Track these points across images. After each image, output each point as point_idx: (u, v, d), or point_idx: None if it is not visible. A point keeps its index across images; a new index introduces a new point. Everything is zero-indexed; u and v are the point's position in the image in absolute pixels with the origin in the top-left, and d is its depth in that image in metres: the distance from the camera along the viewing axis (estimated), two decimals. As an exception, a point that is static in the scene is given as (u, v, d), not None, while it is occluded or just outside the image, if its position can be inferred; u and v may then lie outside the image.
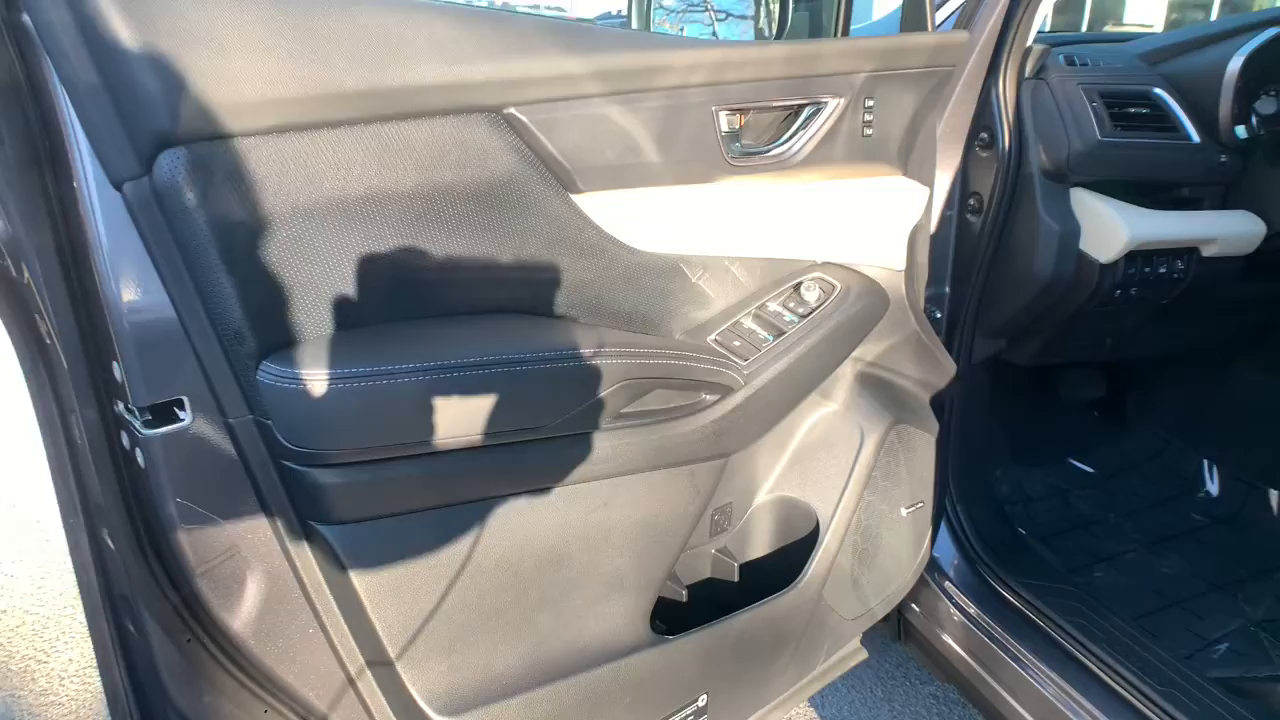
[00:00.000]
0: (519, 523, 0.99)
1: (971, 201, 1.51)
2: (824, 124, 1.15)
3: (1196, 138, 1.53)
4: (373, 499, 0.89)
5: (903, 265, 1.31)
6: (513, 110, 0.90)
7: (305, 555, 0.89)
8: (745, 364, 1.13)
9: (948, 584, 1.58)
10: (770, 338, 1.16)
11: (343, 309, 0.87)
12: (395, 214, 0.87)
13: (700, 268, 1.13)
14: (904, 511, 1.43)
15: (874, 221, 1.26)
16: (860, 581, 1.39)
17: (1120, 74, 1.55)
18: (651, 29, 1.49)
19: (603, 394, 0.98)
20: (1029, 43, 1.46)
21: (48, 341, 0.85)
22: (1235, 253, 1.57)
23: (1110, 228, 1.45)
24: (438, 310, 0.94)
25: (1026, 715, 1.40)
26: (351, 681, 0.95)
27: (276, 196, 0.79)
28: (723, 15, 1.40)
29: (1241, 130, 1.53)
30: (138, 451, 0.81)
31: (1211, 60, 1.55)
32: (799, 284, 1.21)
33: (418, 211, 0.88)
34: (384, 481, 0.89)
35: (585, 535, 1.05)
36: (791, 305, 1.20)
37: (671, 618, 1.22)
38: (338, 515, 0.88)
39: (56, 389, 0.88)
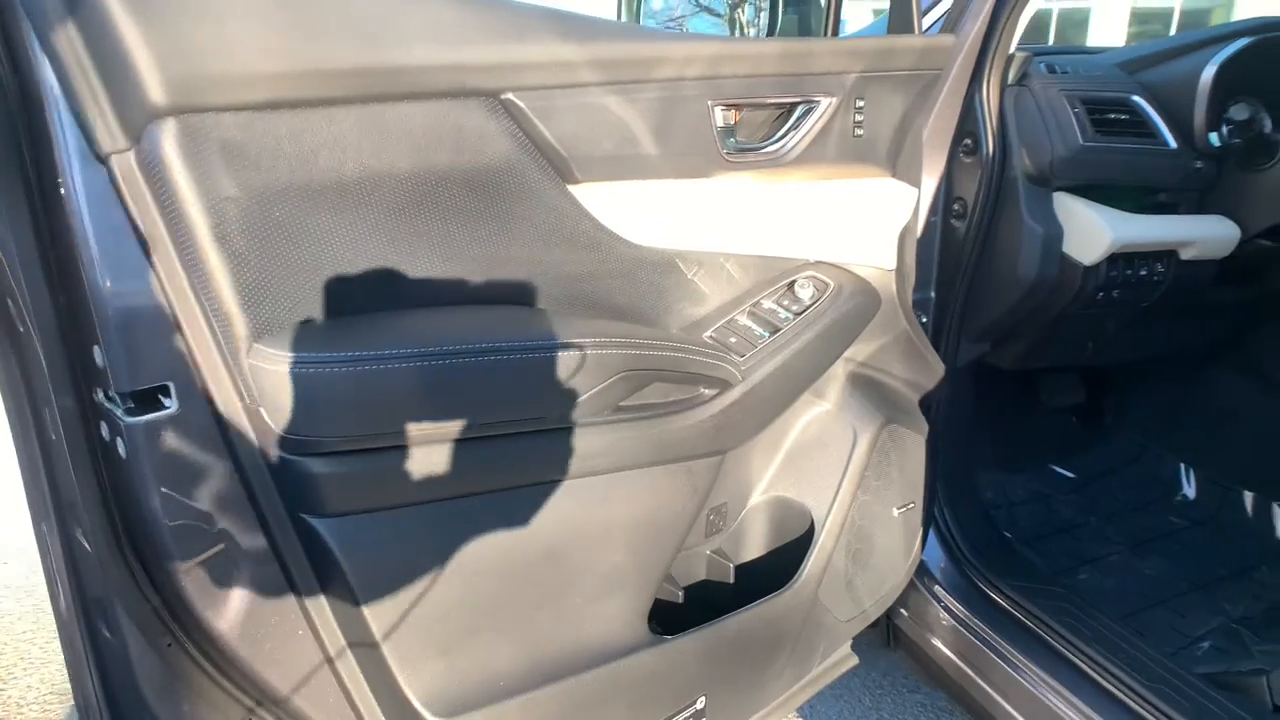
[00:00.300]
0: (517, 518, 0.96)
1: (956, 206, 1.52)
2: (816, 123, 1.16)
3: (1174, 144, 1.56)
4: (366, 490, 0.86)
5: (893, 265, 1.32)
6: (510, 96, 0.89)
7: (295, 550, 0.85)
8: (742, 360, 1.13)
9: (937, 588, 1.59)
10: (766, 334, 1.16)
11: (335, 293, 0.84)
12: (390, 197, 0.85)
13: (696, 264, 1.12)
14: (896, 512, 1.43)
15: (865, 221, 1.27)
16: (854, 582, 1.38)
17: (1100, 81, 1.58)
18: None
19: (602, 385, 0.96)
20: (1011, 50, 1.49)
21: (20, 328, 0.81)
22: (1211, 256, 1.60)
23: (1093, 230, 1.47)
24: (430, 298, 0.92)
25: (1018, 715, 1.40)
26: (343, 684, 0.91)
27: (269, 174, 0.77)
28: (713, 17, 1.42)
29: (1215, 137, 1.56)
30: (119, 442, 0.77)
31: (1186, 69, 1.58)
32: (792, 282, 1.21)
33: (413, 195, 0.87)
34: (378, 472, 0.86)
35: (584, 532, 1.03)
36: (786, 303, 1.20)
37: (667, 620, 1.20)
38: (330, 507, 0.84)
39: (28, 379, 0.83)
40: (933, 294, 1.56)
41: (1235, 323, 1.96)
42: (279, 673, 0.87)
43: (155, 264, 0.74)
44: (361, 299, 0.86)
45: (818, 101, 1.15)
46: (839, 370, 1.33)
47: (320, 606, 0.88)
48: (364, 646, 0.91)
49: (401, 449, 0.86)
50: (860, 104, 1.19)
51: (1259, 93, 1.55)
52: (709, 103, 1.05)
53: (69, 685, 0.97)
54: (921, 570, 1.59)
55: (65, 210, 0.71)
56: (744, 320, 1.17)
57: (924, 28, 1.34)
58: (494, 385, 0.89)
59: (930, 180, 1.50)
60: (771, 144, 1.15)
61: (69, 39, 0.67)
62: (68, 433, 0.79)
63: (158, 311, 0.74)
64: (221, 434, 0.80)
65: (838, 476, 1.30)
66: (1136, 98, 1.58)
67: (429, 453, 0.88)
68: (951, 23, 1.45)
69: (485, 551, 0.95)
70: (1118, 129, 1.52)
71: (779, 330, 1.17)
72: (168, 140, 0.71)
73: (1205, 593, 1.75)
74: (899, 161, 1.28)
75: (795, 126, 1.15)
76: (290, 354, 0.78)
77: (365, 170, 0.82)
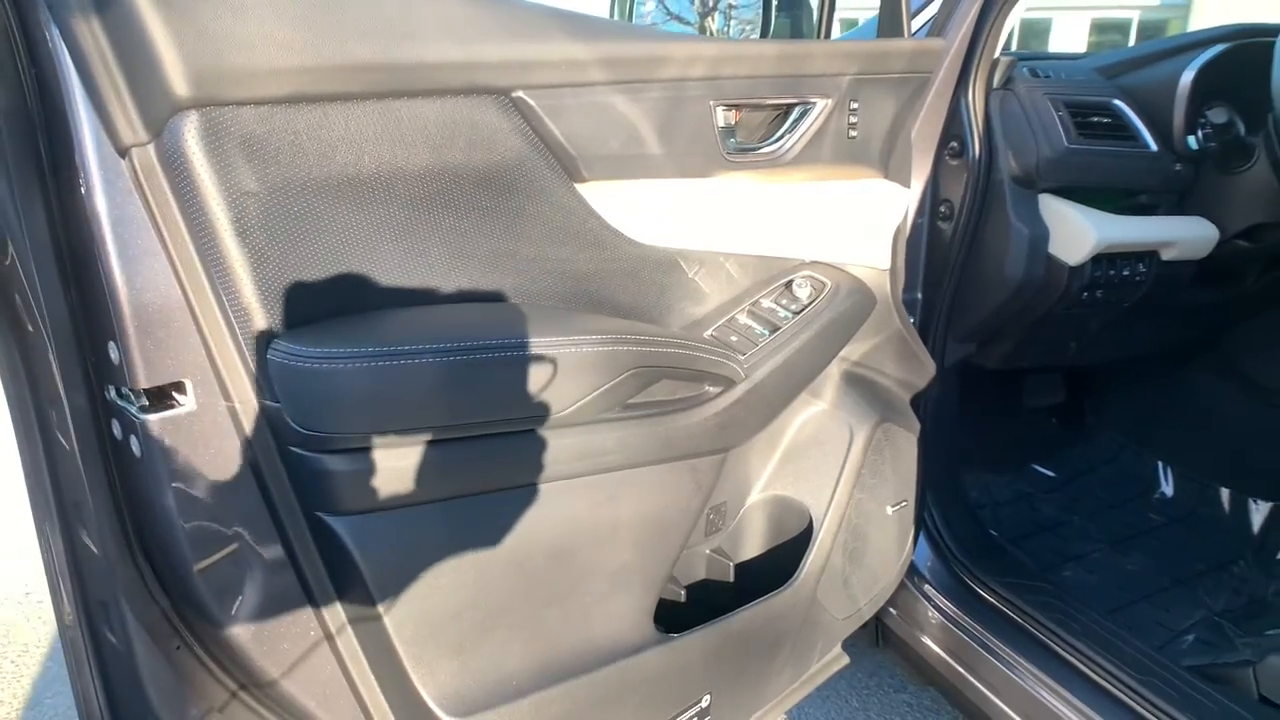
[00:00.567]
0: (528, 515, 0.96)
1: (942, 209, 1.54)
2: (813, 124, 1.17)
3: (1154, 146, 1.60)
4: (384, 488, 0.85)
5: (887, 265, 1.33)
6: (521, 94, 0.90)
7: (309, 549, 0.84)
8: (744, 358, 1.14)
9: (926, 586, 1.60)
10: (766, 333, 1.17)
11: (352, 288, 0.84)
12: (406, 193, 0.85)
13: (697, 263, 1.13)
14: (890, 510, 1.44)
15: (860, 222, 1.28)
16: (850, 580, 1.39)
17: (1082, 86, 1.61)
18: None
19: (614, 381, 0.96)
20: (996, 54, 1.51)
21: (29, 327, 0.79)
22: (1191, 256, 1.64)
23: (1078, 231, 1.50)
24: (443, 293, 0.92)
25: (1010, 712, 1.42)
26: (356, 686, 0.90)
27: (289, 168, 0.76)
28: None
29: (1193, 140, 1.60)
30: (132, 440, 0.76)
31: (1165, 74, 1.62)
32: (790, 281, 1.22)
33: (428, 192, 0.87)
34: (396, 469, 0.85)
35: (592, 530, 1.03)
36: (784, 302, 1.21)
37: (667, 619, 1.20)
38: (347, 505, 0.84)
39: (34, 377, 0.82)
40: (920, 295, 1.57)
41: (1211, 323, 2.01)
42: (290, 676, 0.86)
43: (174, 258, 0.73)
44: (378, 294, 0.86)
45: (814, 103, 1.17)
46: (834, 369, 1.34)
47: (334, 607, 0.87)
48: (378, 647, 0.90)
49: (420, 446, 0.86)
50: (854, 106, 1.21)
51: (1235, 97, 1.59)
52: (711, 103, 1.06)
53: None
54: (910, 569, 1.61)
55: (82, 203, 0.70)
56: (744, 319, 1.18)
57: (912, 31, 1.36)
58: (512, 381, 0.88)
59: (917, 182, 1.52)
60: (770, 144, 1.16)
61: (90, 28, 0.66)
62: (78, 431, 0.77)
63: (175, 307, 0.73)
64: (238, 431, 0.79)
65: (835, 475, 1.31)
66: (1117, 101, 1.61)
67: (448, 449, 0.88)
68: (938, 27, 1.48)
69: (498, 550, 0.95)
70: (1100, 132, 1.55)
71: (779, 329, 1.18)
72: (190, 133, 0.70)
73: (1186, 587, 1.78)
74: (891, 163, 1.30)
75: (792, 128, 1.17)
76: (310, 350, 0.77)
77: (382, 166, 0.82)
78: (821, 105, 1.17)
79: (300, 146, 0.77)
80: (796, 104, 1.16)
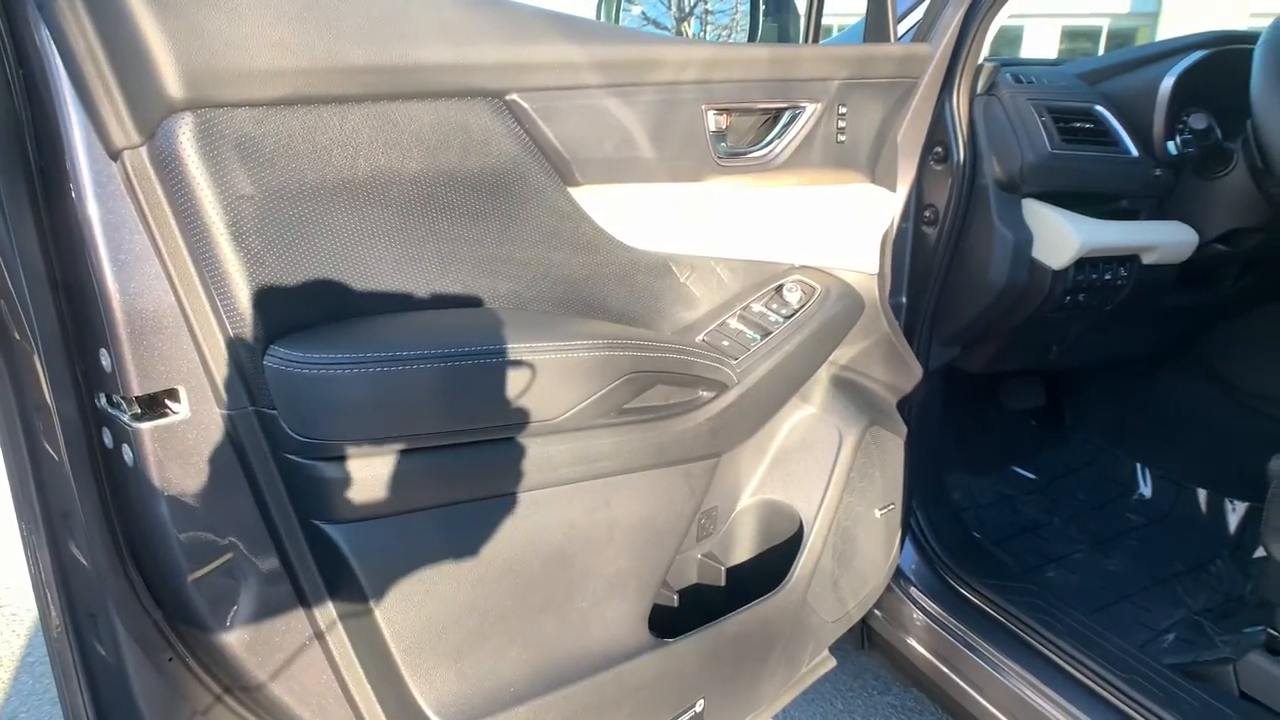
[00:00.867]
0: (524, 521, 0.96)
1: (927, 213, 1.55)
2: (802, 128, 1.17)
3: (1135, 152, 1.62)
4: (381, 495, 0.84)
5: (875, 269, 1.34)
6: (515, 96, 0.89)
7: (305, 558, 0.83)
8: (736, 362, 1.13)
9: (911, 589, 1.61)
10: (758, 337, 1.17)
11: (347, 293, 0.83)
12: (400, 197, 0.84)
13: (688, 268, 1.13)
14: (878, 513, 1.44)
15: (849, 226, 1.29)
16: (839, 583, 1.40)
17: (1064, 91, 1.63)
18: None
19: (610, 386, 0.96)
20: (980, 60, 1.52)
21: (15, 334, 0.78)
22: (1171, 260, 1.66)
23: (1062, 235, 1.51)
24: (437, 298, 0.91)
25: (996, 711, 1.43)
26: (351, 694, 0.88)
27: (284, 171, 0.75)
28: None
29: (1173, 146, 1.62)
30: (124, 448, 0.74)
31: (1145, 80, 1.64)
32: (780, 286, 1.23)
33: (423, 195, 0.86)
34: (394, 475, 0.84)
35: (588, 535, 1.02)
36: (774, 307, 1.22)
37: (661, 624, 1.20)
38: (344, 512, 0.83)
39: (19, 384, 0.80)
40: (904, 299, 1.58)
41: (1187, 326, 2.04)
42: (286, 686, 0.84)
43: (167, 263, 0.71)
44: (372, 299, 0.85)
45: (803, 107, 1.17)
46: (822, 373, 1.35)
47: (330, 615, 0.86)
48: (375, 655, 0.89)
49: (418, 451, 0.85)
50: (843, 110, 1.21)
51: (1214, 103, 1.61)
52: (703, 106, 1.06)
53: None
54: (896, 572, 1.61)
55: (72, 207, 0.68)
56: (735, 324, 1.18)
57: (897, 36, 1.37)
58: (509, 386, 0.88)
59: (902, 187, 1.53)
60: (760, 149, 1.16)
61: (80, 27, 0.64)
62: (67, 440, 0.75)
63: (169, 312, 0.72)
64: (233, 439, 0.77)
65: (824, 478, 1.31)
66: (1099, 107, 1.63)
67: (445, 455, 0.87)
68: (923, 32, 1.49)
69: (495, 555, 0.94)
70: (1082, 137, 1.57)
71: (770, 333, 1.18)
72: (184, 135, 0.69)
73: (1166, 587, 1.81)
74: (878, 167, 1.30)
75: (782, 132, 1.17)
76: (309, 355, 0.76)
77: (376, 169, 0.81)
78: (811, 110, 1.18)
79: (294, 149, 0.76)
80: (786, 108, 1.16)
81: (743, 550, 1.35)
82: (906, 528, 1.62)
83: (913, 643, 1.59)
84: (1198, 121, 1.58)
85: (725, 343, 1.15)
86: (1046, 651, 1.41)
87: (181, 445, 0.75)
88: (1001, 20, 1.51)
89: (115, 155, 0.69)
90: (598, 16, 1.54)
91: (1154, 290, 1.69)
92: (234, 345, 0.76)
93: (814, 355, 1.26)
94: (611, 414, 0.99)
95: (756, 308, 1.20)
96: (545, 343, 0.90)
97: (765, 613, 1.26)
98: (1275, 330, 2.02)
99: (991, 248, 1.53)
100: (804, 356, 1.22)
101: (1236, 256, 1.73)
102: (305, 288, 0.80)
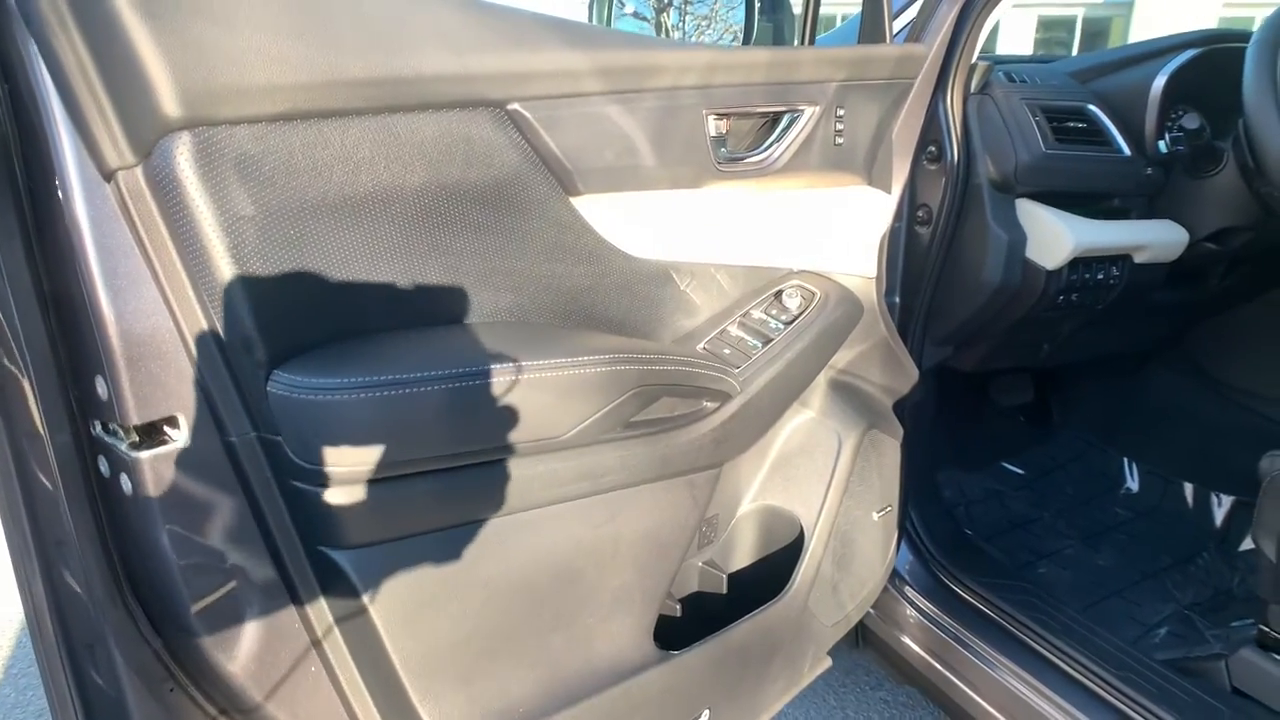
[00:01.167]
0: (531, 539, 0.94)
1: (920, 213, 1.55)
2: (801, 131, 1.16)
3: (1127, 151, 1.62)
4: (388, 519, 0.82)
5: (874, 272, 1.33)
6: (516, 106, 0.88)
7: (311, 585, 0.81)
8: (738, 371, 1.12)
9: (906, 587, 1.61)
10: (759, 344, 1.16)
11: (348, 312, 0.80)
12: (403, 212, 0.82)
13: (689, 275, 1.12)
14: (875, 516, 1.44)
15: (847, 229, 1.28)
16: (839, 587, 1.39)
17: (1057, 90, 1.62)
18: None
19: (617, 401, 0.95)
20: (974, 59, 1.51)
21: (5, 361, 0.75)
22: (1162, 259, 1.66)
23: (1057, 235, 1.51)
24: (442, 314, 0.89)
25: (990, 709, 1.43)
26: None
27: (284, 190, 0.73)
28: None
29: (1164, 145, 1.63)
30: (121, 477, 0.72)
31: (1137, 79, 1.64)
32: (779, 291, 1.22)
33: (425, 210, 0.84)
34: (400, 500, 0.82)
35: (595, 550, 1.01)
36: (774, 313, 1.21)
37: (663, 634, 1.19)
38: (350, 538, 0.81)
39: (9, 411, 0.77)
40: (897, 299, 1.58)
41: (1175, 323, 2.05)
42: (292, 713, 0.82)
43: (164, 286, 0.69)
44: (374, 318, 0.83)
45: (802, 110, 1.16)
46: (821, 378, 1.34)
47: (338, 642, 0.84)
48: (384, 681, 0.87)
49: (426, 474, 0.83)
50: (840, 112, 1.20)
51: (1205, 102, 1.61)
52: (704, 111, 1.04)
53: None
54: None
55: (64, 231, 0.66)
56: (735, 331, 1.17)
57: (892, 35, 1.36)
58: (517, 405, 0.86)
59: (896, 187, 1.52)
60: (759, 153, 1.15)
61: (70, 43, 0.61)
62: (61, 469, 0.73)
63: (167, 338, 0.70)
64: (234, 466, 0.75)
65: (824, 483, 1.31)
66: (1092, 106, 1.63)
67: (454, 477, 0.85)
68: (916, 32, 1.48)
69: (503, 575, 0.93)
70: (1076, 137, 1.57)
71: (770, 340, 1.17)
72: (182, 155, 0.66)
73: (1155, 581, 1.82)
74: (874, 169, 1.29)
75: (781, 136, 1.16)
76: (314, 380, 0.74)
77: (379, 184, 0.79)
78: (810, 112, 1.16)
79: (295, 166, 0.73)
80: (785, 111, 1.15)
81: (743, 557, 1.34)
82: (903, 529, 1.62)
83: (906, 640, 1.59)
84: (1189, 121, 1.58)
85: (726, 351, 1.14)
86: (1040, 648, 1.42)
87: (181, 474, 0.72)
88: (996, 19, 1.50)
89: (109, 176, 0.66)
90: (590, 17, 1.53)
91: (1145, 289, 1.69)
92: (235, 370, 0.74)
93: (814, 361, 1.25)
94: (617, 428, 0.98)
95: (757, 314, 1.19)
96: (553, 359, 0.88)
97: (768, 620, 1.25)
98: (1260, 326, 2.04)
99: (985, 248, 1.53)
100: (805, 363, 1.22)
101: (1225, 254, 1.74)
102: (307, 309, 0.77)
